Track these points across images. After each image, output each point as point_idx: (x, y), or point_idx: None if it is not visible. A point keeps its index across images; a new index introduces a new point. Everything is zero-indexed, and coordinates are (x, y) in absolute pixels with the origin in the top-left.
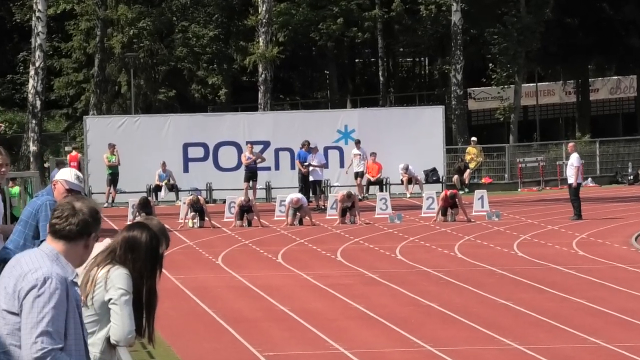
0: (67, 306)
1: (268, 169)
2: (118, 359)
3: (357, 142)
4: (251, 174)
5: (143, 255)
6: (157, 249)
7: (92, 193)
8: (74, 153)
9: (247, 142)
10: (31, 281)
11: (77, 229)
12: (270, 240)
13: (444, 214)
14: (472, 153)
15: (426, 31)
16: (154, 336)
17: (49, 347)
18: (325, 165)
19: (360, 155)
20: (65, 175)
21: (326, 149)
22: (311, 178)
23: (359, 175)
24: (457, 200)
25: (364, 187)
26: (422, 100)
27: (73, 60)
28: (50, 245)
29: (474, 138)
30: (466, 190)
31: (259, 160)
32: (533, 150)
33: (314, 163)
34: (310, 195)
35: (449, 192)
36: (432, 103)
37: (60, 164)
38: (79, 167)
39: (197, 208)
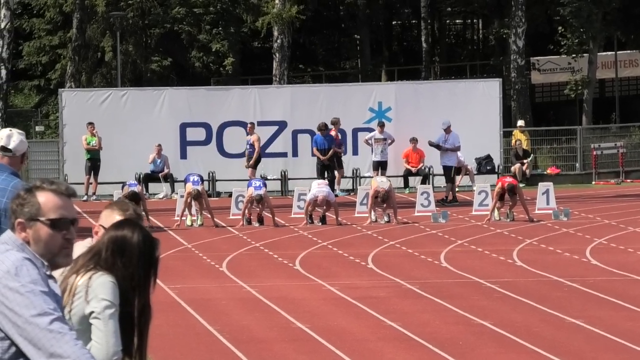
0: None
1: (284, 155)
2: None
3: (381, 125)
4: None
5: (135, 260)
6: (152, 253)
7: (69, 183)
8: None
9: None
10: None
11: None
12: (286, 243)
13: (501, 199)
14: (518, 138)
15: None
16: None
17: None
18: (458, 148)
19: (384, 141)
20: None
21: (355, 131)
22: (444, 163)
23: (380, 166)
24: (516, 193)
25: (404, 180)
26: (474, 71)
27: (46, 20)
28: (14, 235)
29: (520, 122)
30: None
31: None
32: (611, 133)
33: (447, 145)
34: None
35: (506, 184)
36: (487, 75)
37: None
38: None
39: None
